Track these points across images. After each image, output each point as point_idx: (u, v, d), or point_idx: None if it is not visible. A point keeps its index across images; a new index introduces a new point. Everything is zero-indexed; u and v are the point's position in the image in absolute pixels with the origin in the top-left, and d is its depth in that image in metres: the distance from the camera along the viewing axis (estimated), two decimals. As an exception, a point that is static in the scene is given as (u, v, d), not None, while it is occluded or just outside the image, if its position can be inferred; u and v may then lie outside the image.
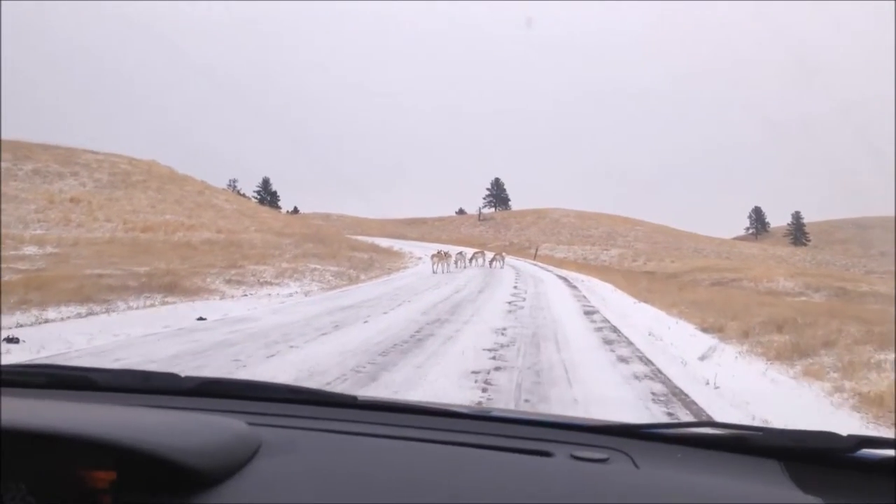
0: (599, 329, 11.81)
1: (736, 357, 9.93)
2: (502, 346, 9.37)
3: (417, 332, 10.39)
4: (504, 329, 11.04)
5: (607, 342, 10.27)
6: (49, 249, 23.72)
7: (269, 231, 39.33)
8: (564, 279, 28.02)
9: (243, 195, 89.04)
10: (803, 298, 45.80)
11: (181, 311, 12.24)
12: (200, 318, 11.21)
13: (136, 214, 36.54)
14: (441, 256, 27.64)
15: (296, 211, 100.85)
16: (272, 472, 1.08)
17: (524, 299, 17.10)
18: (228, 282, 19.68)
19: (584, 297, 19.25)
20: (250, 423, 1.24)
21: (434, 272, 27.23)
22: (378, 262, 34.02)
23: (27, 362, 2.94)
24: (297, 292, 18.55)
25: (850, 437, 1.29)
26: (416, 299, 16.04)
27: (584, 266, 45.67)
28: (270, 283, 20.73)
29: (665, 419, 5.62)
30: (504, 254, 36.17)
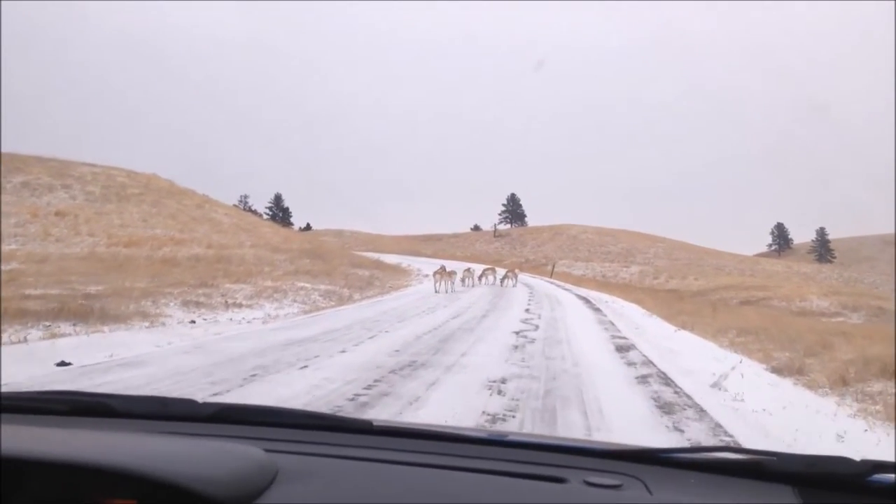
0: (644, 380, 8.06)
1: (865, 431, 6.16)
2: (494, 420, 5.64)
3: (366, 389, 6.72)
4: (502, 382, 7.39)
5: (665, 409, 6.49)
6: (13, 265, 21.14)
7: (265, 246, 36.47)
8: (585, 299, 24.19)
9: (254, 211, 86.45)
10: (840, 319, 41.77)
11: (64, 347, 8.71)
12: (61, 364, 7.62)
13: (124, 229, 34.14)
14: (444, 274, 23.96)
15: (308, 227, 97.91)
16: (289, 500, 1.07)
17: (536, 327, 13.36)
18: (186, 304, 16.32)
19: (612, 323, 15.45)
20: (267, 450, 1.24)
21: (436, 291, 23.59)
22: (379, 280, 30.88)
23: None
24: (260, 317, 15.01)
25: (864, 462, 1.27)
26: (398, 328, 12.41)
27: (605, 284, 41.87)
28: (240, 306, 17.40)
29: None
30: (517, 271, 32.29)
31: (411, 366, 8.21)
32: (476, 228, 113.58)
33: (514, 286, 28.91)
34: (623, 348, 10.90)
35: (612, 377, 8.08)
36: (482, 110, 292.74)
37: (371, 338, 10.93)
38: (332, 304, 20.15)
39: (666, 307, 23.38)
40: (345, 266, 33.98)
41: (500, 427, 6.02)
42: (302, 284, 24.12)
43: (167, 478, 0.96)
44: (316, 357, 8.67)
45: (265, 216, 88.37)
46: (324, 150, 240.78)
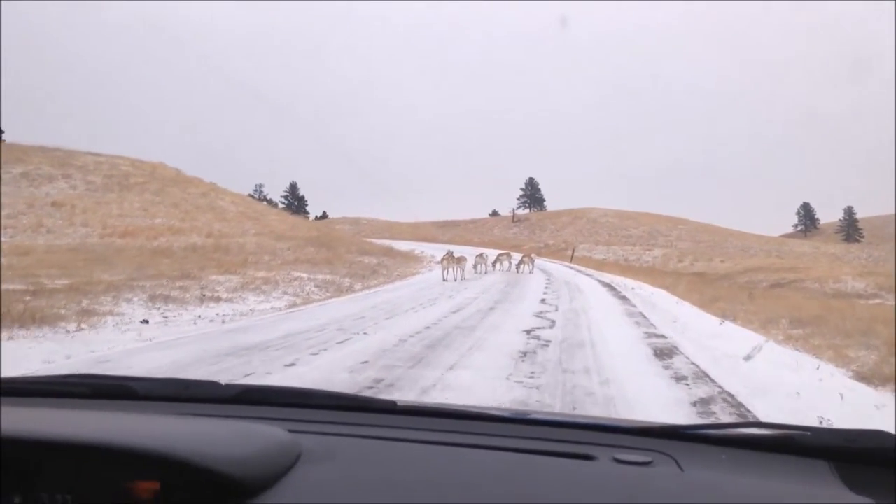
0: (707, 409, 5.45)
1: None
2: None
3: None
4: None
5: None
6: (-9, 259, 19.31)
7: (269, 235, 34.54)
8: (608, 286, 21.60)
9: (268, 200, 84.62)
10: (877, 301, 38.76)
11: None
12: None
13: (122, 218, 32.55)
14: (452, 260, 21.45)
15: (325, 216, 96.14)
16: (313, 480, 1.05)
17: (553, 324, 10.87)
18: (154, 299, 14.21)
19: (643, 315, 12.89)
20: (291, 431, 1.21)
21: (444, 280, 21.12)
22: (386, 268, 28.68)
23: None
24: (230, 314, 12.75)
25: None
26: (381, 328, 10.01)
27: (628, 268, 39.13)
28: (217, 300, 15.20)
29: None
30: (534, 255, 29.65)
31: (373, 388, 5.78)
32: (494, 214, 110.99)
33: (530, 272, 26.37)
34: (664, 353, 8.35)
35: (659, 404, 5.54)
36: (500, 94, 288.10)
37: (341, 342, 8.53)
38: (328, 295, 17.92)
39: (697, 293, 20.76)
40: (351, 254, 31.89)
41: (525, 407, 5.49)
42: (298, 274, 22.04)
43: (191, 459, 0.94)
44: (247, 376, 6.27)
45: (281, 205, 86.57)
46: (341, 139, 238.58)
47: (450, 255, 21.53)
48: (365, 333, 9.31)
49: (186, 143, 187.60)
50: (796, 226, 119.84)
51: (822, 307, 17.53)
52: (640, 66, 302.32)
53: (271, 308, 14.53)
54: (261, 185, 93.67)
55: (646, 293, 18.96)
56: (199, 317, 12.55)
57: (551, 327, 10.44)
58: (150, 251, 24.46)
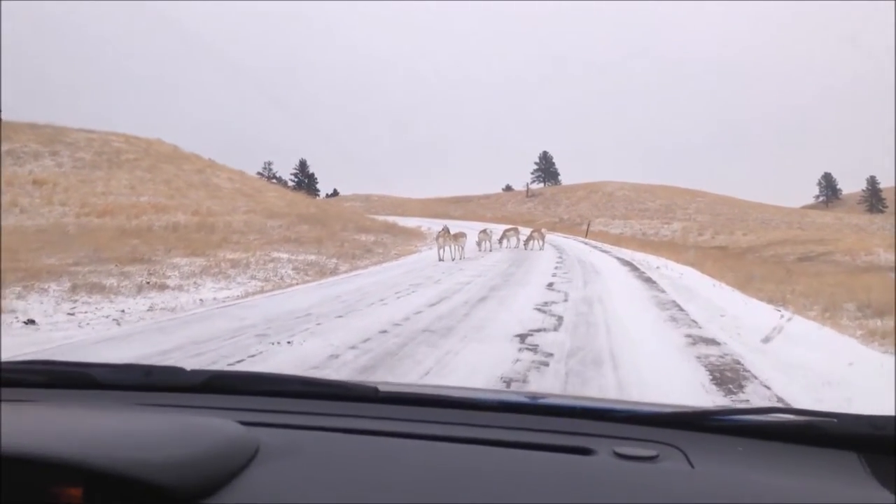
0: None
1: None
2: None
3: None
4: None
5: None
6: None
7: (262, 212, 32.18)
8: (628, 264, 18.56)
9: (278, 178, 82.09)
10: (918, 275, 35.52)
11: None
12: None
13: (105, 197, 30.39)
14: (448, 237, 18.46)
15: (335, 193, 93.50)
16: (266, 481, 0.94)
17: (559, 322, 7.95)
18: (77, 288, 11.61)
19: (677, 305, 9.89)
20: (252, 423, 1.10)
21: (440, 259, 18.24)
22: (384, 246, 26.17)
23: (29, 359, 1.66)
24: (163, 307, 10.10)
25: None
26: (323, 332, 7.28)
27: (647, 243, 36.01)
28: (163, 288, 12.76)
29: None
30: (545, 230, 26.40)
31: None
32: (508, 189, 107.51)
33: (540, 249, 23.40)
34: (727, 377, 5.30)
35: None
36: (511, 67, 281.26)
37: (253, 357, 5.68)
38: (307, 278, 15.34)
39: (728, 270, 17.79)
40: (348, 232, 29.27)
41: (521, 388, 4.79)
42: (278, 255, 19.56)
43: (107, 465, 0.86)
44: None
45: (290, 183, 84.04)
46: (352, 116, 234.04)
47: (445, 231, 18.57)
48: (288, 343, 6.46)
49: (197, 122, 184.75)
50: (818, 197, 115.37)
51: (884, 286, 14.44)
52: (654, 32, 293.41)
53: (225, 297, 11.99)
54: (269, 163, 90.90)
55: (673, 273, 15.91)
56: (123, 311, 9.89)
57: (556, 328, 7.51)
58: (125, 231, 22.59)
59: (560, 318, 8.25)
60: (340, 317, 8.34)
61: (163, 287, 12.77)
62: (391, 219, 43.29)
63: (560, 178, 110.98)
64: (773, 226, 74.07)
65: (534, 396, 1.47)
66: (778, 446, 1.15)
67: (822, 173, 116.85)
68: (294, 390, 1.43)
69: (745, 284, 14.68)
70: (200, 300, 11.86)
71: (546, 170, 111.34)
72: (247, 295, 12.30)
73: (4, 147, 35.50)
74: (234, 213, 30.58)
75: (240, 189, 39.05)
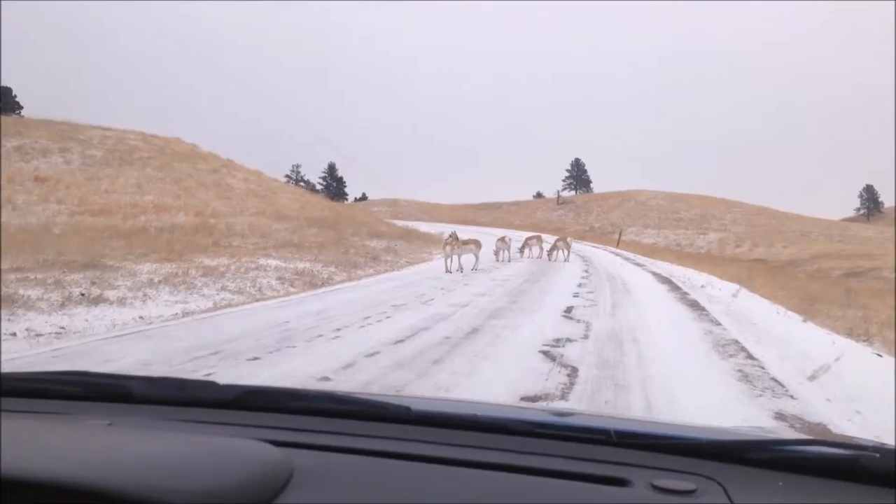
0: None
1: None
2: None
3: None
4: None
5: None
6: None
7: (271, 215, 30.07)
8: (666, 281, 15.60)
9: (305, 181, 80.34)
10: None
11: None
12: None
13: (108, 195, 28.60)
14: (456, 244, 15.73)
15: (364, 197, 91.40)
16: None
17: (572, 377, 5.20)
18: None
19: (742, 348, 6.98)
20: (286, 443, 1.09)
21: (447, 271, 15.55)
22: (394, 253, 23.80)
23: (64, 370, 1.51)
24: (68, 332, 7.56)
25: None
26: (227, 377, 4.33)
27: (683, 255, 32.88)
28: (99, 301, 10.64)
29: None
30: (570, 239, 23.35)
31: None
32: (538, 196, 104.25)
33: (565, 260, 20.54)
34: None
35: None
36: (545, 74, 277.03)
37: None
38: (294, 290, 13.32)
39: (779, 288, 14.87)
40: (359, 237, 26.87)
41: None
42: (268, 262, 17.23)
43: (138, 494, 0.83)
44: None
45: (318, 186, 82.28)
46: (384, 121, 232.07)
47: (454, 238, 15.83)
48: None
49: (230, 126, 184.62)
50: (858, 209, 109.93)
51: None
52: (691, 36, 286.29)
53: (174, 314, 9.74)
54: (297, 166, 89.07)
55: (721, 294, 12.96)
56: (15, 335, 7.48)
57: (564, 395, 4.72)
58: (117, 231, 20.28)
59: (573, 373, 5.45)
60: (256, 359, 5.70)
61: (99, 300, 10.45)
62: (413, 224, 40.85)
63: (592, 185, 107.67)
64: (813, 238, 70.07)
65: (569, 415, 1.43)
66: (820, 482, 1.08)
67: (863, 185, 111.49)
68: (325, 408, 1.37)
69: (809, 309, 11.78)
70: (140, 317, 9.63)
71: (578, 177, 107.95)
72: (202, 311, 9.99)
73: (14, 143, 34.08)
74: (240, 214, 28.59)
75: (254, 190, 37.03)
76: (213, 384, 1.45)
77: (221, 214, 27.42)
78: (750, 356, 6.55)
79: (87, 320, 9.04)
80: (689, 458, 1.15)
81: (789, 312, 10.58)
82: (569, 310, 9.49)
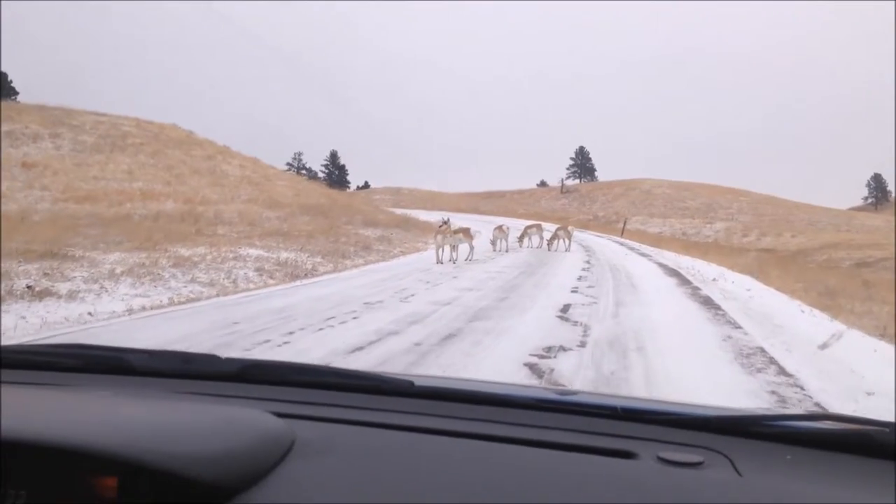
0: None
1: None
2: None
3: None
4: None
5: None
6: None
7: (263, 202, 29.23)
8: (675, 273, 14.38)
9: (307, 169, 79.32)
10: None
11: None
12: None
13: (95, 181, 27.79)
14: (448, 233, 14.54)
15: (366, 185, 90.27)
16: (304, 477, 0.90)
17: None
18: None
19: (774, 360, 5.76)
20: (287, 415, 1.06)
21: (439, 262, 14.40)
22: (388, 242, 22.87)
23: (65, 342, 2.16)
24: None
25: None
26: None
27: (690, 245, 31.60)
28: (49, 295, 9.42)
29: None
30: (572, 228, 21.99)
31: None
32: (542, 184, 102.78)
33: (566, 250, 19.33)
34: None
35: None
36: (549, 59, 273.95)
37: None
38: (273, 282, 12.41)
39: (794, 280, 13.71)
40: (353, 225, 25.82)
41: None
42: (250, 251, 16.23)
43: (144, 458, 0.82)
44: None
45: (321, 174, 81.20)
46: (387, 109, 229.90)
47: (446, 226, 14.64)
48: None
49: (231, 114, 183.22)
50: (866, 198, 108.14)
51: None
52: (697, 28, 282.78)
53: (127, 309, 8.72)
54: (299, 154, 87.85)
55: (736, 288, 11.73)
56: None
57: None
58: (99, 218, 19.29)
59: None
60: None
61: (45, 294, 9.48)
62: (413, 212, 39.75)
63: (596, 174, 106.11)
64: (821, 228, 68.78)
65: (572, 394, 1.41)
66: (828, 455, 1.05)
67: (871, 174, 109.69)
68: (328, 382, 1.35)
69: (830, 304, 10.60)
70: (89, 313, 8.60)
71: (582, 166, 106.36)
72: (156, 307, 8.95)
73: (5, 128, 33.08)
74: (231, 202, 27.62)
75: (249, 177, 36.00)
76: (215, 357, 1.43)
77: (211, 202, 26.50)
78: (782, 370, 5.35)
79: (24, 317, 8.02)
80: (695, 431, 1.12)
81: (814, 310, 9.38)
82: (565, 308, 8.29)
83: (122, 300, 9.67)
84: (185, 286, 11.51)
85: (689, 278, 13.23)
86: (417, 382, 1.29)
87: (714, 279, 13.07)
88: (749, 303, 9.69)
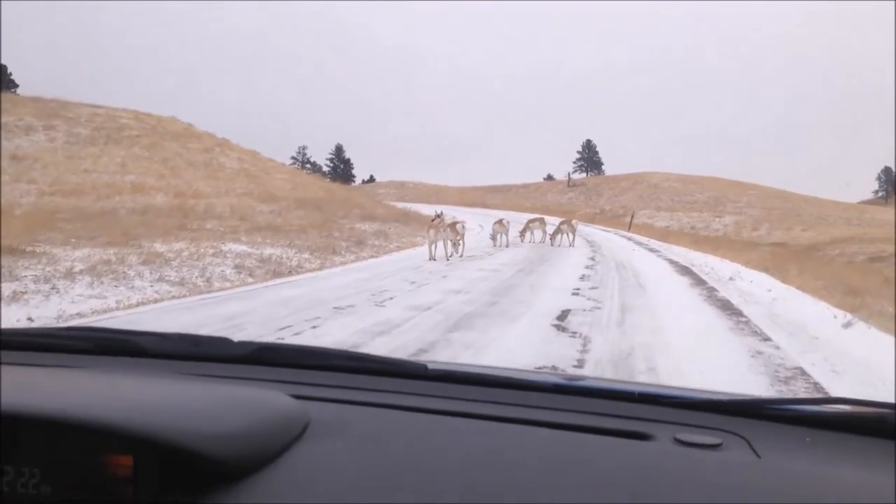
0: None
1: None
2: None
3: None
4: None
5: None
6: None
7: (258, 196, 28.51)
8: (686, 271, 13.18)
9: (312, 163, 78.52)
10: None
11: None
12: None
13: (86, 175, 27.12)
14: (441, 227, 13.39)
15: (371, 179, 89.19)
16: (319, 457, 0.89)
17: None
18: None
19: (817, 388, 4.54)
20: (301, 396, 1.04)
21: (431, 258, 13.28)
22: (384, 237, 22.00)
23: (75, 325, 2.04)
24: None
25: None
26: None
27: (700, 239, 30.41)
28: None
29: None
30: (575, 222, 20.63)
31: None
32: (549, 178, 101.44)
33: (570, 245, 18.18)
34: None
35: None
36: (555, 52, 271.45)
37: None
38: (252, 280, 11.55)
39: (813, 278, 12.56)
40: (349, 219, 24.86)
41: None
42: (233, 247, 15.36)
43: (159, 435, 0.80)
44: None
45: (325, 168, 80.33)
46: (393, 103, 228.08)
47: (439, 220, 13.50)
48: None
49: (237, 110, 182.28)
50: (876, 192, 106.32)
51: None
52: (706, 20, 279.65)
53: (77, 312, 7.89)
54: (304, 147, 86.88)
55: (756, 289, 10.54)
56: None
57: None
58: (83, 213, 18.36)
59: None
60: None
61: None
62: (416, 206, 38.74)
63: (604, 167, 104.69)
64: (831, 222, 67.27)
65: (585, 379, 1.35)
66: (846, 438, 1.04)
67: (881, 168, 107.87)
68: (342, 365, 1.33)
69: (856, 304, 9.50)
70: (29, 318, 7.67)
71: (589, 159, 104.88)
72: (109, 309, 8.08)
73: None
74: (225, 195, 26.75)
75: (246, 170, 35.09)
76: (227, 340, 1.40)
77: (204, 195, 25.64)
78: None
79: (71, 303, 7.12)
80: (711, 414, 1.10)
81: (847, 314, 8.21)
82: (563, 316, 7.13)
83: (74, 302, 8.74)
84: (151, 286, 10.52)
85: (703, 277, 12.02)
86: (431, 367, 1.28)
87: (730, 278, 11.85)
88: (773, 306, 8.51)
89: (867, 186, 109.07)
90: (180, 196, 24.56)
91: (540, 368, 4.52)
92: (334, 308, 7.24)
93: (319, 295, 8.41)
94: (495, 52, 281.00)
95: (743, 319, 7.46)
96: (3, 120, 32.31)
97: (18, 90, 52.60)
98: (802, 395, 4.23)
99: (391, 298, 8.05)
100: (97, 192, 23.24)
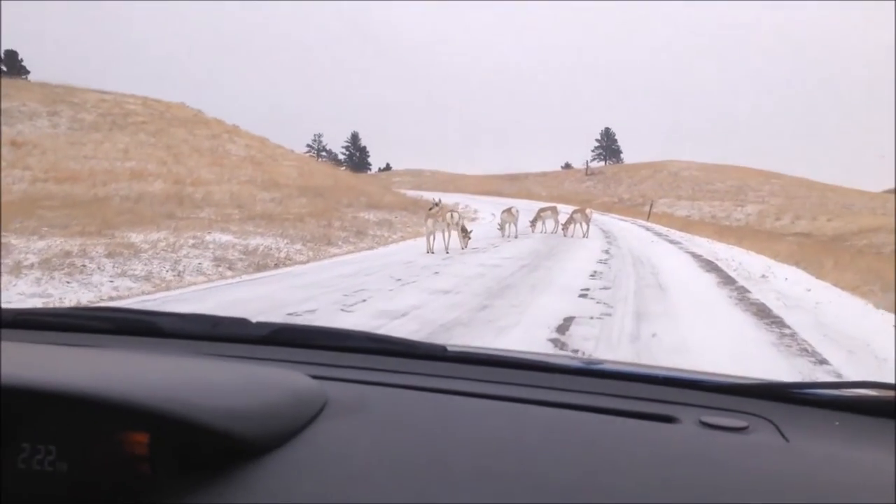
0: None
1: None
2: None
3: None
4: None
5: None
6: None
7: (262, 183, 27.73)
8: (712, 266, 11.73)
9: (327, 150, 77.54)
10: None
11: None
12: None
13: (85, 161, 26.45)
14: (440, 217, 12.08)
15: (388, 168, 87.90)
16: (336, 435, 0.89)
17: None
18: None
19: None
20: (319, 377, 1.04)
21: (430, 251, 11.99)
22: (389, 226, 20.99)
23: (95, 305, 1.97)
24: None
25: None
26: None
27: (722, 229, 28.78)
28: None
29: None
30: (590, 211, 18.98)
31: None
32: (567, 166, 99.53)
33: (584, 236, 16.77)
34: None
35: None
36: (575, 38, 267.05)
37: None
38: (230, 273, 10.65)
39: (843, 270, 11.13)
40: (353, 208, 23.74)
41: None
42: (216, 237, 14.45)
43: (176, 411, 0.79)
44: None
45: (341, 156, 79.29)
46: (412, 93, 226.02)
47: (436, 208, 12.18)
48: None
49: (255, 97, 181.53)
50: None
51: None
52: (726, 5, 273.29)
53: None
54: (319, 135, 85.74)
55: (796, 290, 9.07)
56: None
57: None
58: (74, 200, 17.69)
59: None
60: None
61: None
62: (429, 195, 37.54)
63: (622, 156, 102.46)
64: (856, 211, 65.00)
65: (610, 363, 1.32)
66: (875, 422, 1.01)
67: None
68: (361, 346, 1.31)
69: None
70: None
71: (608, 147, 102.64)
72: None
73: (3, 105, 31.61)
74: (226, 182, 25.81)
75: (253, 157, 34.13)
76: (246, 321, 1.38)
77: (204, 182, 24.66)
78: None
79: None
80: (738, 397, 1.08)
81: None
82: (564, 326, 5.79)
83: (11, 303, 7.56)
84: (111, 281, 9.42)
85: (731, 274, 10.55)
86: (449, 348, 1.26)
87: (763, 275, 10.38)
88: (819, 313, 7.07)
89: (892, 175, 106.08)
90: (179, 183, 23.64)
91: (558, 352, 4.21)
92: (288, 315, 5.98)
93: (283, 296, 7.18)
94: (515, 41, 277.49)
95: (787, 332, 6.04)
96: (7, 105, 31.59)
97: (29, 77, 51.99)
98: None
99: (363, 301, 6.77)
100: (93, 178, 22.43)
